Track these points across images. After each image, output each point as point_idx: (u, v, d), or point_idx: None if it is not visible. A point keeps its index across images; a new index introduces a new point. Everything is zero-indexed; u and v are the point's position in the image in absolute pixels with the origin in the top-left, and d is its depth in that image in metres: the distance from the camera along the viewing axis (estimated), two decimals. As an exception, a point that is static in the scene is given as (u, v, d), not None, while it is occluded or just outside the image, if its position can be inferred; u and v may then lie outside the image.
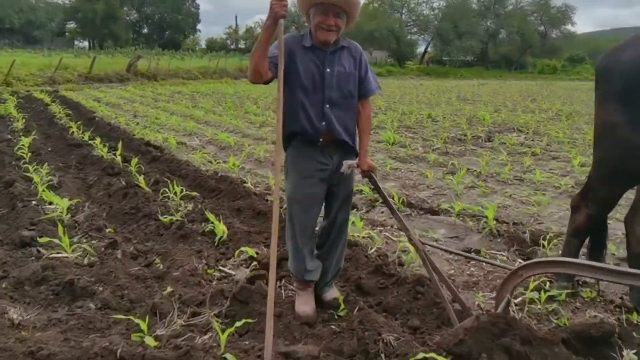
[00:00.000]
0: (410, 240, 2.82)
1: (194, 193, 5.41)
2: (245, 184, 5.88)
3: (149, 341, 2.51)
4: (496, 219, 4.68)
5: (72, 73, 25.09)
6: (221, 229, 4.16)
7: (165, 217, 4.61)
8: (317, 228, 3.07)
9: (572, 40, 63.11)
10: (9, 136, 8.86)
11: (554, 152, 8.43)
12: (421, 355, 2.22)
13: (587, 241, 3.44)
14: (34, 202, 4.85)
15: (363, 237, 4.19)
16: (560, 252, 4.00)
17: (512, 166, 7.00)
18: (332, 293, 3.06)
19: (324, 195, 2.89)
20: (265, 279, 3.25)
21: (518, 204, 5.38)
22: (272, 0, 2.41)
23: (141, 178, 5.68)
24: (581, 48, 62.69)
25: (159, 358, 2.33)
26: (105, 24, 58.59)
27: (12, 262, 3.64)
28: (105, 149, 7.42)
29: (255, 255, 3.70)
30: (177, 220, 4.53)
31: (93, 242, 4.11)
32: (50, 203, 4.76)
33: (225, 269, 3.68)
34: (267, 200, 5.28)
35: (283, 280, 3.42)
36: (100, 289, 3.24)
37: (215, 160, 7.29)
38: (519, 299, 3.09)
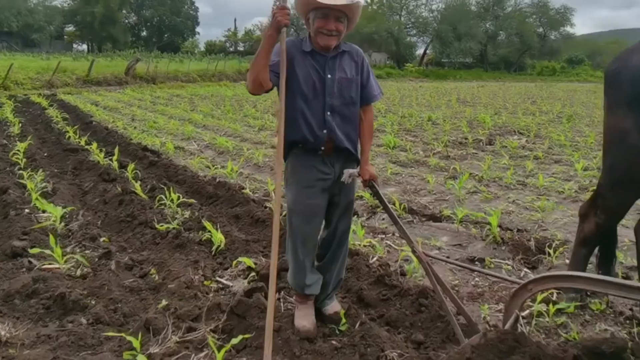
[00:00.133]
0: (413, 252, 2.72)
1: (191, 200, 5.30)
2: (243, 190, 5.78)
3: (142, 360, 2.41)
4: (500, 226, 4.57)
5: (70, 76, 24.99)
6: (218, 237, 4.06)
7: (162, 225, 4.50)
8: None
9: (571, 41, 63.08)
10: (5, 141, 8.76)
11: (556, 155, 8.32)
12: (427, 375, 2.11)
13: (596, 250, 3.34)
14: (26, 210, 4.75)
15: (364, 246, 4.09)
16: (567, 260, 3.92)
17: (515, 170, 6.89)
18: (333, 306, 2.95)
19: (326, 205, 2.79)
20: (263, 291, 3.15)
21: (522, 210, 5.27)
22: (274, 9, 2.36)
23: (137, 184, 5.58)
24: (580, 49, 62.69)
25: (152, 379, 2.22)
26: (103, 27, 58.45)
27: (2, 273, 3.53)
28: (102, 154, 7.32)
29: (254, 266, 3.60)
30: (174, 228, 4.42)
31: (87, 252, 4.01)
32: (44, 211, 4.65)
33: (223, 280, 3.58)
34: (265, 207, 5.18)
35: (282, 292, 3.31)
36: (93, 302, 3.13)
37: (213, 166, 7.18)
38: (526, 311, 2.98)
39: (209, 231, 4.14)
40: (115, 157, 7.04)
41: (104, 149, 7.92)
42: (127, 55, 41.90)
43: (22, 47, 52.96)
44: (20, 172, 6.20)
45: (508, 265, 3.85)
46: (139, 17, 69.63)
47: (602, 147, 3.10)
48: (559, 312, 2.99)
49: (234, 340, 2.50)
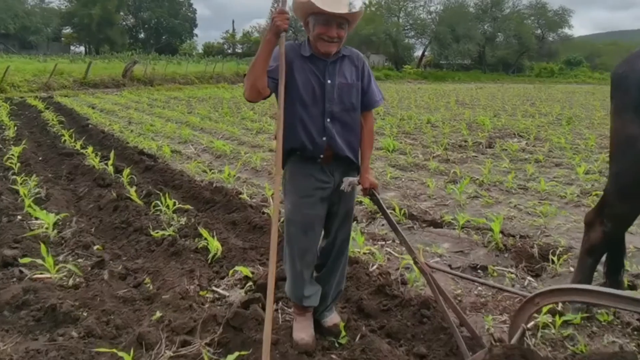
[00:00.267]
0: (415, 263, 2.62)
1: (187, 206, 5.20)
2: (240, 195, 5.68)
3: (134, 377, 2.31)
4: (502, 232, 4.48)
5: (67, 79, 24.85)
6: (215, 245, 3.96)
7: (157, 232, 4.40)
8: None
9: (569, 43, 63.20)
10: (-1, 145, 8.65)
11: (556, 158, 8.25)
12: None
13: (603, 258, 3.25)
14: (19, 217, 4.65)
15: (364, 253, 3.99)
16: (571, 268, 3.83)
17: (515, 174, 6.81)
18: (333, 318, 2.86)
19: (325, 215, 2.69)
20: (260, 302, 3.06)
21: (524, 215, 5.19)
22: (273, 13, 2.29)
23: (133, 190, 5.48)
24: (578, 51, 62.84)
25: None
26: (101, 29, 58.34)
27: (-8, 284, 3.43)
28: (97, 159, 7.22)
29: (251, 275, 3.50)
30: (169, 235, 4.32)
31: (79, 260, 3.91)
32: (37, 218, 4.55)
33: (219, 290, 3.48)
34: (263, 213, 5.08)
35: (280, 303, 3.22)
36: (85, 314, 3.03)
37: (210, 170, 7.09)
38: (532, 323, 2.89)
39: (206, 238, 4.05)
40: (110, 162, 6.94)
41: (99, 153, 7.82)
42: (125, 58, 41.82)
43: (19, 49, 52.83)
44: (14, 177, 6.10)
45: (512, 273, 3.76)
46: (136, 19, 69.58)
47: (608, 151, 3.01)
48: (566, 323, 2.90)
49: (230, 357, 2.40)
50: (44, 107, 14.74)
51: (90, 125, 11.54)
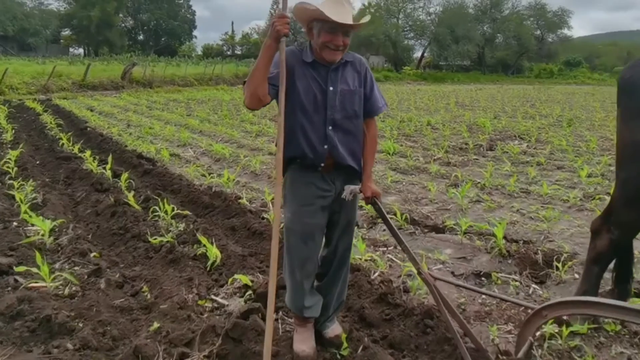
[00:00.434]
0: (419, 274, 2.56)
1: (186, 211, 5.13)
2: (240, 200, 5.62)
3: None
4: (505, 237, 4.42)
5: (66, 81, 24.76)
6: (214, 252, 3.89)
7: (155, 239, 4.34)
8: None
9: (568, 44, 63.24)
10: (-4, 149, 8.58)
11: (558, 161, 8.18)
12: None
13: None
14: (15, 224, 4.58)
15: (365, 260, 3.93)
16: (576, 275, 3.77)
17: (517, 177, 6.74)
18: (334, 329, 2.79)
19: (325, 224, 2.63)
20: (260, 312, 2.99)
21: (526, 220, 5.12)
22: (274, 18, 2.23)
23: (131, 195, 5.41)
24: (577, 52, 62.93)
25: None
26: (100, 31, 58.27)
27: (-14, 293, 3.36)
28: (95, 163, 7.14)
29: (250, 284, 3.44)
30: (168, 242, 4.26)
31: (76, 268, 3.84)
32: (33, 224, 4.48)
33: (218, 299, 3.42)
34: (263, 218, 5.02)
35: (280, 312, 3.16)
36: (80, 325, 2.97)
37: (209, 174, 7.02)
38: (538, 333, 2.83)
39: (204, 245, 3.98)
40: (108, 166, 6.87)
41: (97, 157, 7.75)
42: (124, 59, 41.71)
43: (18, 51, 52.76)
44: (11, 181, 6.03)
45: (516, 281, 3.69)
46: (135, 20, 69.54)
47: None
48: (572, 334, 2.83)
49: (229, 371, 2.33)
50: (43, 110, 14.66)
51: (88, 128, 11.48)
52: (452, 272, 3.90)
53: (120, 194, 5.68)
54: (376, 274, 3.74)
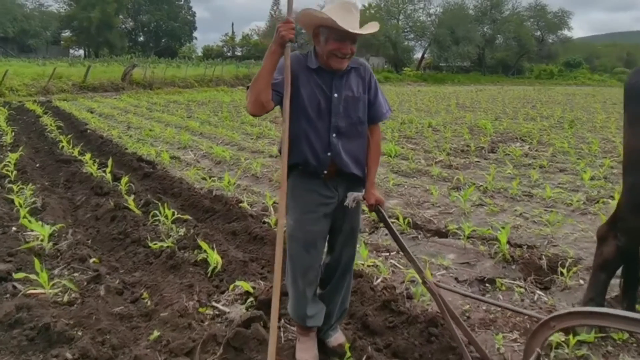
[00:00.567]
0: (424, 283, 2.51)
1: (187, 216, 5.08)
2: (241, 204, 5.57)
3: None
4: (509, 242, 4.38)
5: (67, 82, 24.76)
6: (215, 258, 3.85)
7: (155, 244, 4.30)
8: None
9: (568, 44, 63.23)
10: (-4, 152, 8.54)
11: (560, 163, 8.14)
12: None
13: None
14: (14, 229, 4.54)
15: (368, 266, 3.89)
16: (580, 281, 3.73)
17: (520, 180, 6.70)
18: (337, 338, 2.75)
19: (328, 231, 2.59)
20: (262, 320, 2.95)
21: (530, 224, 5.08)
22: (279, 23, 2.19)
23: (131, 199, 5.37)
24: (577, 52, 62.90)
25: None
26: (100, 32, 58.21)
27: (-16, 301, 3.31)
28: (95, 166, 7.10)
29: (252, 291, 3.39)
30: (168, 247, 4.22)
31: (75, 274, 3.80)
32: (32, 229, 4.44)
33: (219, 306, 3.37)
34: (264, 223, 4.98)
35: (282, 320, 3.11)
36: (80, 333, 2.92)
37: (209, 177, 6.97)
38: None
39: (205, 251, 3.94)
40: (109, 169, 6.83)
41: (97, 160, 7.70)
42: (124, 61, 41.66)
43: (18, 52, 52.69)
44: (10, 185, 5.99)
45: (520, 287, 3.65)
46: (136, 22, 69.48)
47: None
48: (579, 342, 2.79)
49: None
50: (43, 112, 14.63)
51: (88, 131, 11.44)
52: (456, 278, 3.86)
53: (120, 197, 5.64)
54: (379, 280, 3.70)
